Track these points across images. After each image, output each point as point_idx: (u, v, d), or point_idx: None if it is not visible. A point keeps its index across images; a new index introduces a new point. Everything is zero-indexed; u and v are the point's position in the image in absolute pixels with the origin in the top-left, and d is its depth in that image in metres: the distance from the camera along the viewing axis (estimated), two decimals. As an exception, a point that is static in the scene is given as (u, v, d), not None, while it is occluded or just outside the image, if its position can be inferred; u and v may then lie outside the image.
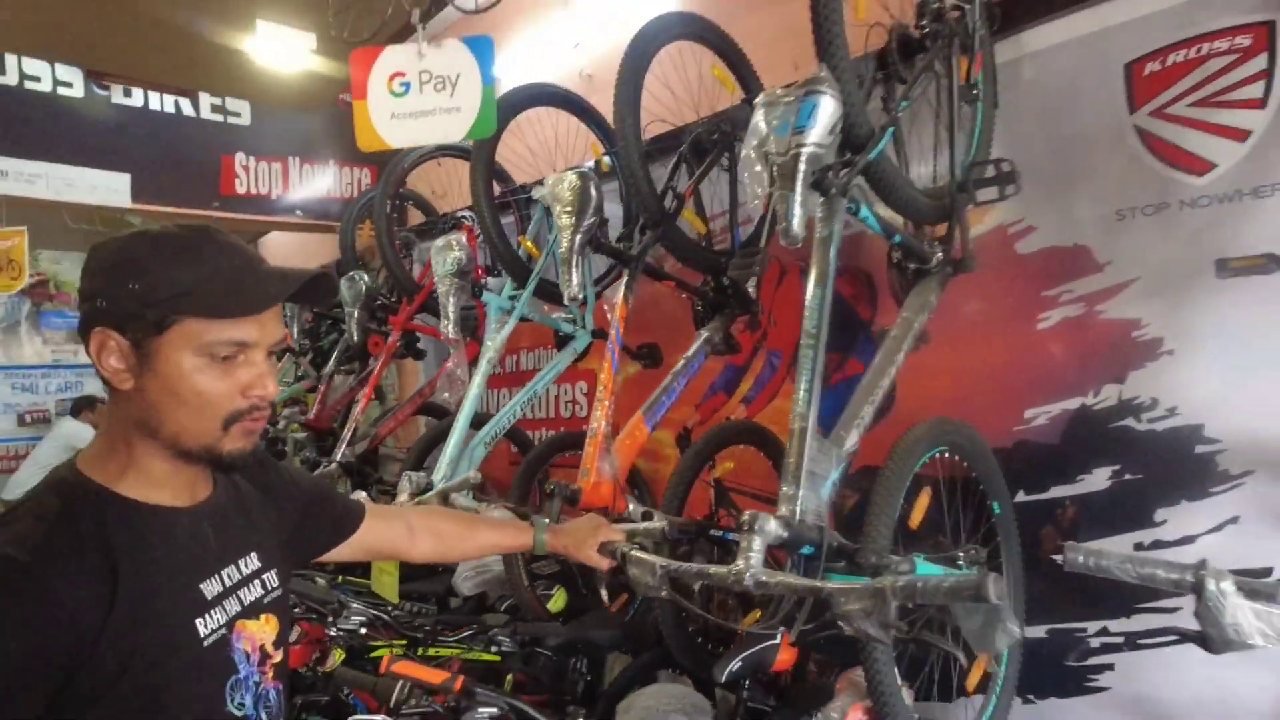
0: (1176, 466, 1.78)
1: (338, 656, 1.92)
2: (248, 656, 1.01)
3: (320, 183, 4.41)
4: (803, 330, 1.43)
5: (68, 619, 0.84)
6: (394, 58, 1.62)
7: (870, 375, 1.57)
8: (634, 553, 1.37)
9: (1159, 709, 1.82)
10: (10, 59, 3.30)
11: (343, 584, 2.51)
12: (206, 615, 0.97)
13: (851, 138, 1.52)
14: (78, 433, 6.08)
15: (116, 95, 3.64)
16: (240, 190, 4.09)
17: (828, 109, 1.34)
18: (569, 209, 1.86)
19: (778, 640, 1.88)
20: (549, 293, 2.67)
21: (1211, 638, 0.89)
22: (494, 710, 1.24)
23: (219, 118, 3.93)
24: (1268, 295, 1.55)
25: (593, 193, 1.88)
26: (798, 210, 1.34)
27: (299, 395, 4.15)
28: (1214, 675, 1.72)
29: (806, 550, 1.32)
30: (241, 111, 3.92)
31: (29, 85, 3.41)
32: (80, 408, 6.44)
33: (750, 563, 1.22)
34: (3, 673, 0.82)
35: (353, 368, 3.86)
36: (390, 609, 2.04)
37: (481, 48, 1.72)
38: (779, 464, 2.45)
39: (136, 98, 3.64)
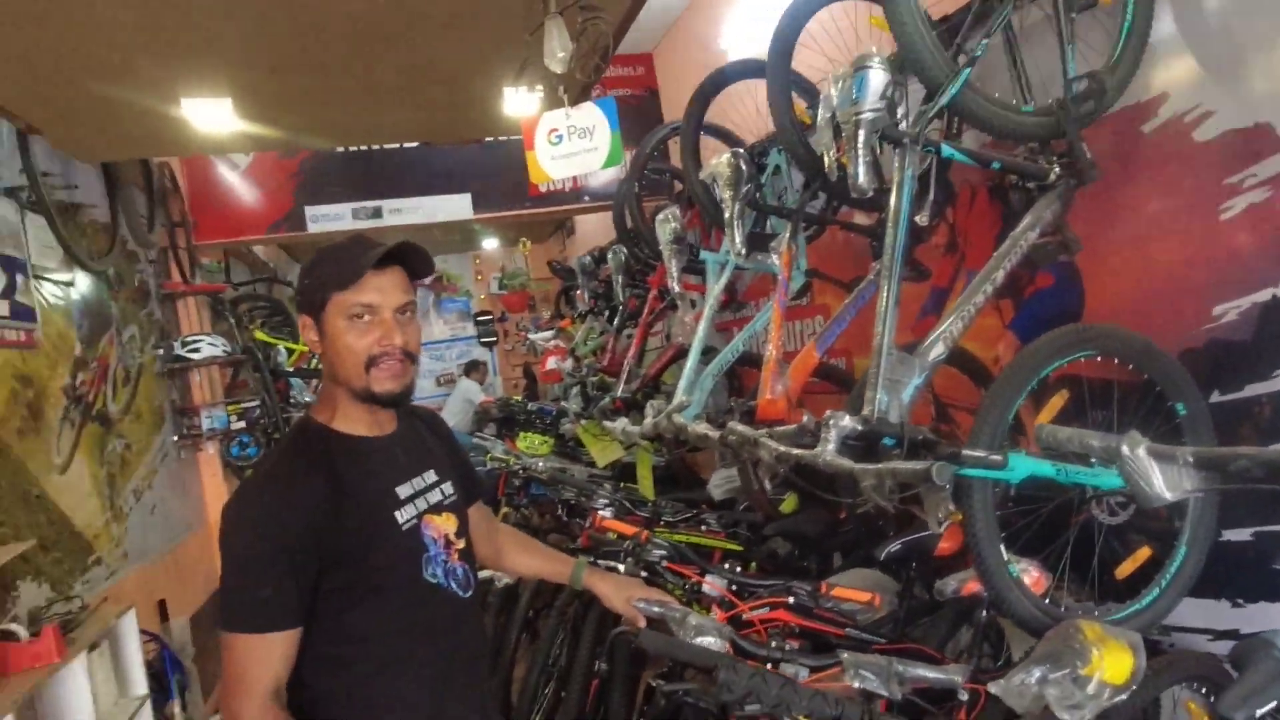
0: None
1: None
2: (435, 541, 1.34)
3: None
4: (881, 263, 1.70)
5: (305, 514, 1.20)
6: (550, 120, 2.24)
7: (965, 293, 1.76)
8: (763, 439, 1.82)
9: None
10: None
11: (623, 488, 3.30)
12: (402, 509, 1.31)
13: (927, 86, 1.72)
14: (470, 387, 8.09)
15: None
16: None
17: (876, 79, 1.60)
18: (728, 183, 2.30)
19: (940, 529, 2.16)
20: (760, 243, 3.09)
21: (1137, 493, 1.08)
22: (663, 552, 1.81)
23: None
24: None
25: (743, 168, 2.28)
26: (861, 167, 1.64)
27: (601, 347, 5.14)
28: None
29: (888, 442, 1.64)
30: (537, 128, 4.95)
31: (406, 145, 4.80)
32: (469, 369, 8.50)
33: (826, 448, 1.60)
34: (270, 547, 1.19)
35: (636, 323, 4.68)
36: (642, 502, 2.74)
37: (607, 107, 2.27)
38: (979, 382, 2.64)
39: (468, 134, 4.84)
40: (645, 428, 2.81)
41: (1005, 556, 1.69)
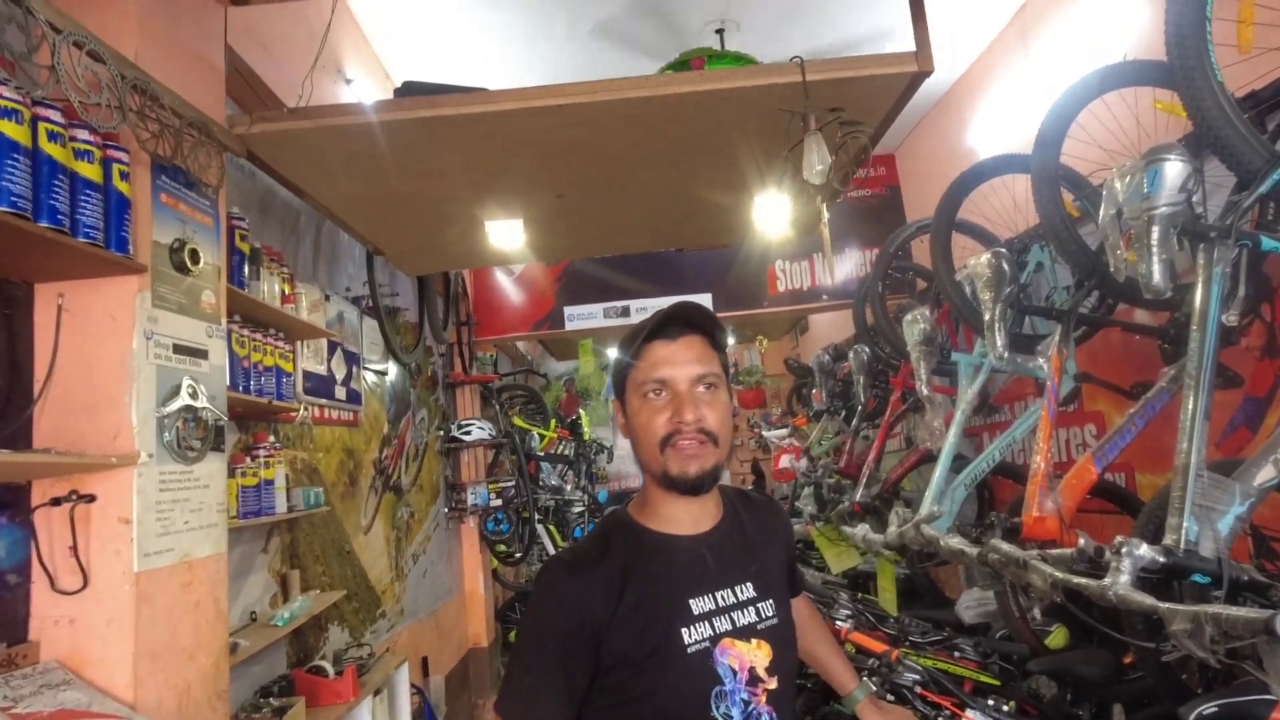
0: None
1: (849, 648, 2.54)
2: (734, 673, 1.09)
3: (839, 269, 5.31)
4: (1185, 372, 1.51)
5: (585, 608, 1.07)
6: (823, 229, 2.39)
7: (1304, 409, 1.49)
8: (1033, 561, 1.65)
9: None
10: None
11: (861, 599, 3.13)
12: (692, 626, 1.08)
13: (1240, 177, 1.55)
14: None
15: (698, 241, 5.20)
16: (781, 289, 5.27)
17: (1173, 172, 1.47)
18: (988, 285, 2.19)
19: (1275, 696, 1.76)
20: (1020, 345, 2.87)
21: None
22: (916, 676, 1.68)
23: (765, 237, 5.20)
24: None
25: (1005, 268, 2.16)
26: (1156, 267, 1.49)
27: (838, 447, 4.99)
28: None
29: (1200, 579, 1.40)
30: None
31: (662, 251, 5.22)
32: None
33: (1118, 580, 1.41)
34: (546, 634, 1.09)
35: (875, 423, 4.50)
36: (886, 617, 2.57)
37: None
38: (1319, 511, 2.20)
39: (709, 240, 5.16)
40: (890, 537, 2.66)
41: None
